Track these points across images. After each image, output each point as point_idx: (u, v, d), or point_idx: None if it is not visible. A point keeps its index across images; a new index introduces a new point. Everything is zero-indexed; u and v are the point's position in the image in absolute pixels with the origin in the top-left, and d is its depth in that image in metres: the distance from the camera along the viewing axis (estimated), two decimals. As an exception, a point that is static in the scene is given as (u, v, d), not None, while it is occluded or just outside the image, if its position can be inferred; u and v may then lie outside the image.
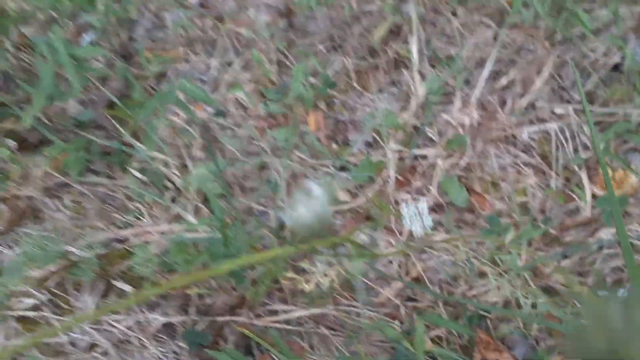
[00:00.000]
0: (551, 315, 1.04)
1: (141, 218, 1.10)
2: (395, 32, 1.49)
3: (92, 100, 1.36)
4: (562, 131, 1.30)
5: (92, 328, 0.97)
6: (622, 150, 1.30)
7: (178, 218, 1.10)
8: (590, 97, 1.39)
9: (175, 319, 0.99)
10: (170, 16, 1.58)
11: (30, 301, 0.97)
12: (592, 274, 1.09)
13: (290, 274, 1.10)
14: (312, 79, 1.39)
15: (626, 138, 1.29)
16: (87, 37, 1.32)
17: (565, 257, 1.13)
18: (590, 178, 1.24)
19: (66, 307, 1.00)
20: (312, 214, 0.45)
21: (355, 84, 1.42)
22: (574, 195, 1.21)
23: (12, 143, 1.15)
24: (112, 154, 1.21)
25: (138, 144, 1.18)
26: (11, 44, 1.46)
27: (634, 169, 1.24)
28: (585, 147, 1.29)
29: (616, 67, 1.41)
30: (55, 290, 1.00)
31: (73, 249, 1.02)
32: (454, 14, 1.52)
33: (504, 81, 1.40)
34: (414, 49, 1.40)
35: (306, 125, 1.35)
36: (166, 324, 1.00)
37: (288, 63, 1.44)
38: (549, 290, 1.09)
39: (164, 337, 0.99)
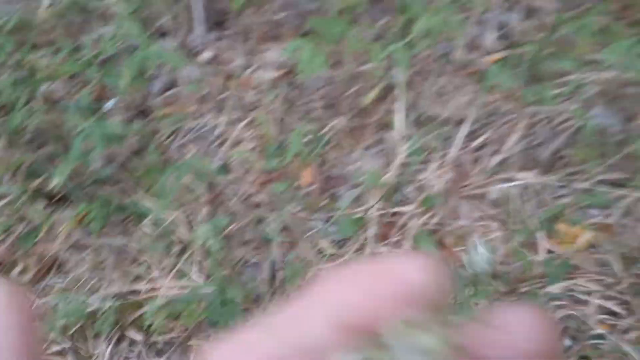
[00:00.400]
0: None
1: (150, 271, 1.29)
2: (386, 93, 1.66)
3: (111, 156, 1.55)
4: (526, 190, 1.45)
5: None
6: (580, 207, 1.45)
7: (182, 272, 1.28)
8: (558, 156, 1.55)
9: (178, 363, 1.18)
10: (184, 73, 1.76)
11: (56, 348, 1.16)
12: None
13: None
14: (307, 137, 1.56)
15: (584, 198, 1.45)
16: (110, 103, 1.50)
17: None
18: (549, 234, 1.40)
19: (85, 354, 1.18)
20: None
21: (345, 142, 1.59)
22: (532, 251, 1.36)
23: (44, 201, 1.34)
24: (127, 208, 1.39)
25: (152, 203, 1.36)
26: (42, 99, 1.65)
27: (587, 225, 1.39)
28: (546, 204, 1.44)
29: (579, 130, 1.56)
30: (76, 338, 1.19)
31: (92, 300, 1.21)
32: (440, 74, 1.68)
33: (480, 140, 1.56)
34: (399, 112, 1.57)
35: (299, 180, 1.52)
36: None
37: (287, 123, 1.61)
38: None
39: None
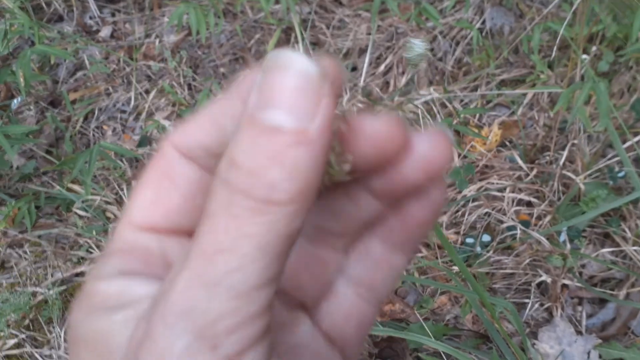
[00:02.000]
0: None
1: (91, 251, 1.32)
2: (287, 37, 1.69)
3: (30, 151, 1.56)
4: (434, 102, 1.52)
5: (66, 353, 1.20)
6: (488, 106, 1.53)
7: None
8: (459, 64, 1.62)
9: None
10: (86, 53, 1.76)
11: (12, 341, 1.20)
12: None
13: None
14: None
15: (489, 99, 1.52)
16: (16, 101, 1.51)
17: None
18: (460, 140, 1.47)
19: (43, 340, 1.23)
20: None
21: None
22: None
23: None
24: (56, 198, 1.42)
25: (76, 188, 1.39)
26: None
27: (495, 126, 1.48)
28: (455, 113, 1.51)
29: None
30: (32, 327, 1.23)
31: (40, 290, 1.25)
32: (336, 9, 1.72)
33: (384, 64, 1.61)
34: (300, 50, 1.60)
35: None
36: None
37: (197, 84, 1.63)
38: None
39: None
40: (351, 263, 0.28)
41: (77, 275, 1.31)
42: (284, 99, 0.21)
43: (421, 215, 0.26)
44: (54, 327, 1.22)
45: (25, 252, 1.34)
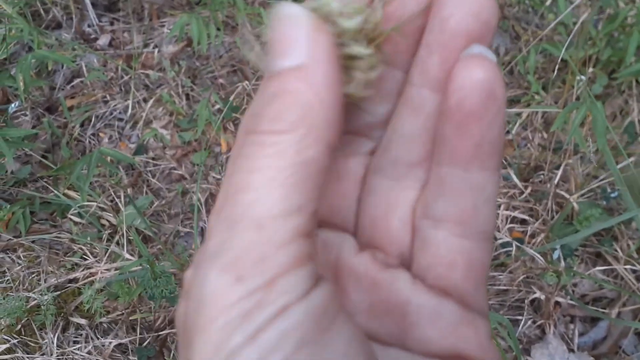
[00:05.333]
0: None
1: (86, 258, 1.32)
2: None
3: (26, 156, 1.56)
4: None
5: (58, 359, 1.19)
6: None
7: (116, 254, 1.32)
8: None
9: (126, 339, 1.22)
10: (84, 61, 1.76)
11: (3, 346, 1.19)
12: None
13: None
14: (218, 105, 1.60)
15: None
16: (13, 105, 1.51)
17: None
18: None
19: (35, 345, 1.22)
20: None
21: (256, 102, 1.63)
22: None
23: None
24: (52, 203, 1.41)
25: (72, 194, 1.39)
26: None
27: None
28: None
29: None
30: (23, 333, 1.22)
31: (33, 295, 1.24)
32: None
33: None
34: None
35: (219, 147, 1.57)
36: (119, 344, 1.22)
37: (195, 95, 1.64)
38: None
39: (118, 355, 1.22)
40: (431, 203, 0.26)
41: (70, 281, 1.30)
42: (279, 46, 0.23)
43: (483, 116, 0.24)
44: (46, 333, 1.21)
45: (18, 257, 1.33)
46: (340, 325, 0.22)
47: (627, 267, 1.22)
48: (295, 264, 0.22)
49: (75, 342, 1.22)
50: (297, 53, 0.23)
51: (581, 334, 1.22)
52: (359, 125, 0.28)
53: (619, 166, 1.28)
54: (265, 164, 0.22)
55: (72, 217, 1.39)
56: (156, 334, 1.23)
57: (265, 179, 0.22)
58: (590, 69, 1.46)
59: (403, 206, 0.27)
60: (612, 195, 1.30)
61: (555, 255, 1.26)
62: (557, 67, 1.46)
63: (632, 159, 1.27)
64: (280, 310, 0.21)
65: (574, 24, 1.42)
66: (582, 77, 1.29)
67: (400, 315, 0.26)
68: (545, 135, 1.48)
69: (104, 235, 1.36)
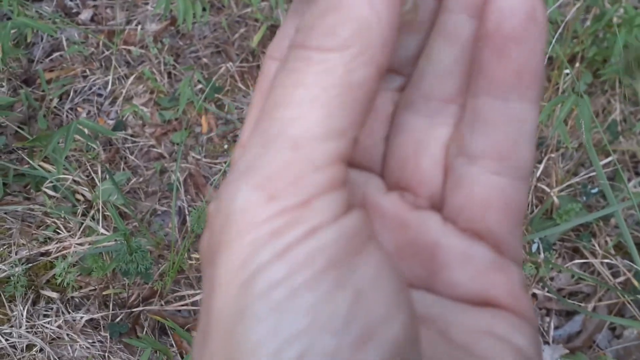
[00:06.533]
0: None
1: (59, 232, 1.29)
2: (272, 34, 1.69)
3: (2, 126, 1.52)
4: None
5: (27, 331, 1.16)
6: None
7: (91, 229, 1.29)
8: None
9: (98, 314, 1.20)
10: (64, 35, 1.73)
11: (-29, 317, 1.16)
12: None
13: (194, 259, 1.31)
14: (200, 85, 1.57)
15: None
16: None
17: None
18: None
19: (3, 316, 1.19)
20: None
21: (240, 85, 1.62)
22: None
23: None
24: (27, 175, 1.38)
25: (47, 166, 1.35)
26: None
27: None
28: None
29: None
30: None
31: (2, 267, 1.21)
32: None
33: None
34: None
35: (200, 128, 1.55)
36: (90, 319, 1.20)
37: (177, 73, 1.62)
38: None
39: (90, 330, 1.19)
40: (467, 138, 0.25)
41: (42, 254, 1.27)
42: None
43: (523, 40, 0.22)
44: (16, 305, 1.18)
45: (-12, 228, 1.30)
46: (372, 250, 0.21)
47: (605, 261, 1.23)
48: (330, 187, 0.21)
49: (45, 316, 1.19)
50: None
51: (556, 327, 1.23)
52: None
53: (602, 162, 1.29)
54: (311, 80, 0.21)
55: (46, 190, 1.35)
56: (129, 310, 1.21)
57: (309, 96, 0.20)
58: (576, 66, 1.46)
59: (435, 144, 0.26)
60: (593, 191, 1.31)
61: (534, 248, 1.27)
62: (542, 62, 1.46)
63: (615, 156, 1.28)
64: (312, 230, 0.20)
65: (561, 21, 1.42)
66: (570, 70, 1.30)
67: (428, 257, 0.25)
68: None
69: (79, 210, 1.33)
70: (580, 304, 1.24)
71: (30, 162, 1.34)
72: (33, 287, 1.22)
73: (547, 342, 1.19)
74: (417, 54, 0.26)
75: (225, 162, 1.49)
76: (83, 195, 1.36)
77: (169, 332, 1.23)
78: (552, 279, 1.29)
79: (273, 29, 1.69)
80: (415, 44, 0.26)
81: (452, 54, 0.25)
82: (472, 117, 0.24)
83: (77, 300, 1.23)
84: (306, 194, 0.20)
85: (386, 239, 0.26)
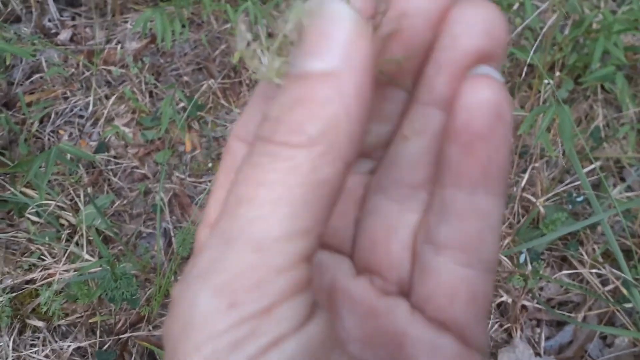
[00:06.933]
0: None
1: (44, 258, 1.27)
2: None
3: (-18, 152, 1.50)
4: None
5: (14, 363, 1.15)
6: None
7: (76, 255, 1.28)
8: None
9: (85, 342, 1.18)
10: (44, 56, 1.71)
11: (-44, 350, 1.14)
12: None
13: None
14: (182, 103, 1.56)
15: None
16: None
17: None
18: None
19: (-12, 350, 1.17)
20: None
21: (223, 102, 1.61)
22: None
23: None
24: (9, 201, 1.36)
25: (30, 192, 1.34)
26: None
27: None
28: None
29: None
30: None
31: (-13, 297, 1.19)
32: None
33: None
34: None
35: (183, 147, 1.53)
36: (77, 347, 1.18)
37: (158, 92, 1.60)
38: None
39: (77, 359, 1.18)
40: (434, 227, 0.24)
41: (27, 282, 1.25)
42: (313, 43, 0.21)
43: (489, 137, 0.23)
44: (1, 336, 1.17)
45: (-28, 257, 1.28)
46: None
47: (593, 271, 1.23)
48: (293, 291, 0.20)
49: (32, 346, 1.18)
50: (331, 55, 0.21)
51: (547, 338, 1.22)
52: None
53: (585, 170, 1.29)
54: (275, 178, 0.20)
55: (29, 216, 1.34)
56: (117, 337, 1.19)
57: (272, 196, 0.20)
58: (557, 74, 1.47)
59: (404, 230, 0.26)
60: (578, 199, 1.31)
61: (521, 259, 1.26)
62: (524, 71, 1.46)
63: (598, 163, 1.28)
64: (274, 341, 0.19)
65: (541, 28, 1.43)
66: (550, 81, 1.30)
67: (396, 347, 0.25)
68: (512, 139, 1.48)
69: (63, 235, 1.31)
70: (570, 314, 1.24)
71: (12, 189, 1.32)
72: (19, 317, 1.20)
73: (538, 354, 1.19)
74: (388, 140, 0.26)
75: (209, 181, 1.48)
76: (67, 220, 1.35)
77: (157, 358, 1.21)
78: (541, 288, 1.29)
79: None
80: (386, 130, 0.26)
81: (421, 143, 0.25)
82: (439, 206, 0.24)
83: (63, 328, 1.21)
84: (268, 300, 0.19)
85: (354, 326, 0.25)
